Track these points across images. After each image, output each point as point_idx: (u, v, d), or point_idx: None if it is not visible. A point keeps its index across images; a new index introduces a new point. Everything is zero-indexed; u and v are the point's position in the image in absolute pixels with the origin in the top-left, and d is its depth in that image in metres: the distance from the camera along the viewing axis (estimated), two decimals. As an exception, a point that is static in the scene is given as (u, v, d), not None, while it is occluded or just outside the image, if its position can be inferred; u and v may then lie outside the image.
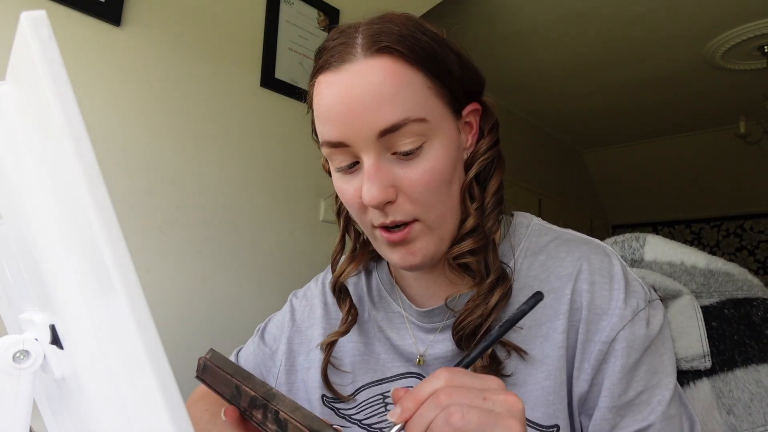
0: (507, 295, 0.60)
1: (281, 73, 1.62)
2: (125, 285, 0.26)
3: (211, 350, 0.56)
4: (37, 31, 0.27)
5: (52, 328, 0.34)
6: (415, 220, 0.58)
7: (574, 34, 2.76)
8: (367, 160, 0.56)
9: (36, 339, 0.34)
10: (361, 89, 0.54)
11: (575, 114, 3.89)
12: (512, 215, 0.69)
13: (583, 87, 3.41)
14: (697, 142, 4.18)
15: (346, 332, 0.70)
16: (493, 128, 0.65)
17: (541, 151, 4.15)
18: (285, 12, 1.64)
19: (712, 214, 4.64)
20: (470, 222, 0.61)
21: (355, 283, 0.76)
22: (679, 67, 3.10)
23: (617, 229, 5.04)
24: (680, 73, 3.18)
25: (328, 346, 0.70)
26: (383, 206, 0.57)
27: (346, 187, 0.60)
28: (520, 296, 0.62)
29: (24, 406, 0.34)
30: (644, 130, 4.15)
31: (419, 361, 0.66)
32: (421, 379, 0.66)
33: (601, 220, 4.94)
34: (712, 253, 0.92)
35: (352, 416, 0.69)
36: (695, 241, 4.69)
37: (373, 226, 0.60)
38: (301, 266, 1.64)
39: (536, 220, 0.69)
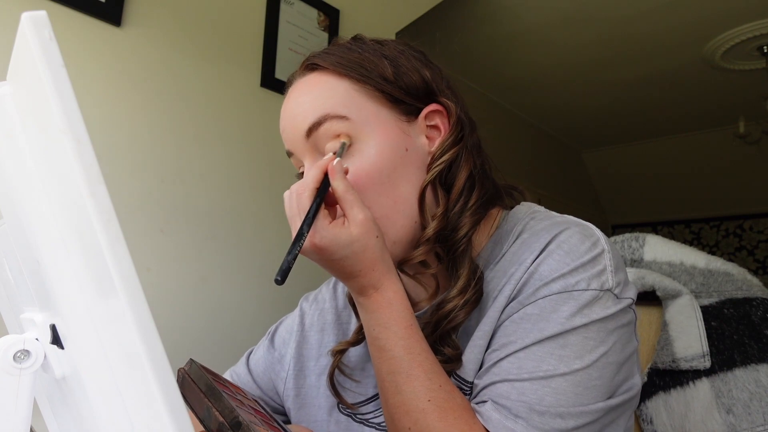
0: (468, 303, 0.58)
1: (281, 73, 1.62)
2: (125, 285, 0.26)
3: (191, 361, 0.54)
4: (37, 32, 0.27)
5: (53, 328, 0.34)
6: None
7: (574, 33, 2.76)
8: (306, 164, 0.62)
9: (36, 339, 0.34)
10: (292, 102, 0.64)
11: (575, 114, 3.88)
12: (511, 208, 0.67)
13: (582, 86, 3.41)
14: (696, 142, 4.17)
15: (356, 343, 0.69)
16: (453, 129, 0.64)
17: (541, 150, 4.14)
18: (285, 12, 1.64)
19: (711, 214, 4.64)
20: (429, 230, 0.60)
21: None
22: (679, 67, 3.10)
23: (617, 229, 5.04)
24: (680, 73, 3.17)
25: (337, 354, 0.70)
26: None
27: None
28: (503, 277, 0.59)
29: (25, 405, 0.34)
30: (644, 130, 4.15)
31: None
32: None
33: (600, 220, 4.94)
34: (712, 253, 0.92)
35: (370, 420, 0.68)
36: (695, 241, 4.68)
37: None
38: (301, 266, 1.64)
39: (537, 208, 0.67)
